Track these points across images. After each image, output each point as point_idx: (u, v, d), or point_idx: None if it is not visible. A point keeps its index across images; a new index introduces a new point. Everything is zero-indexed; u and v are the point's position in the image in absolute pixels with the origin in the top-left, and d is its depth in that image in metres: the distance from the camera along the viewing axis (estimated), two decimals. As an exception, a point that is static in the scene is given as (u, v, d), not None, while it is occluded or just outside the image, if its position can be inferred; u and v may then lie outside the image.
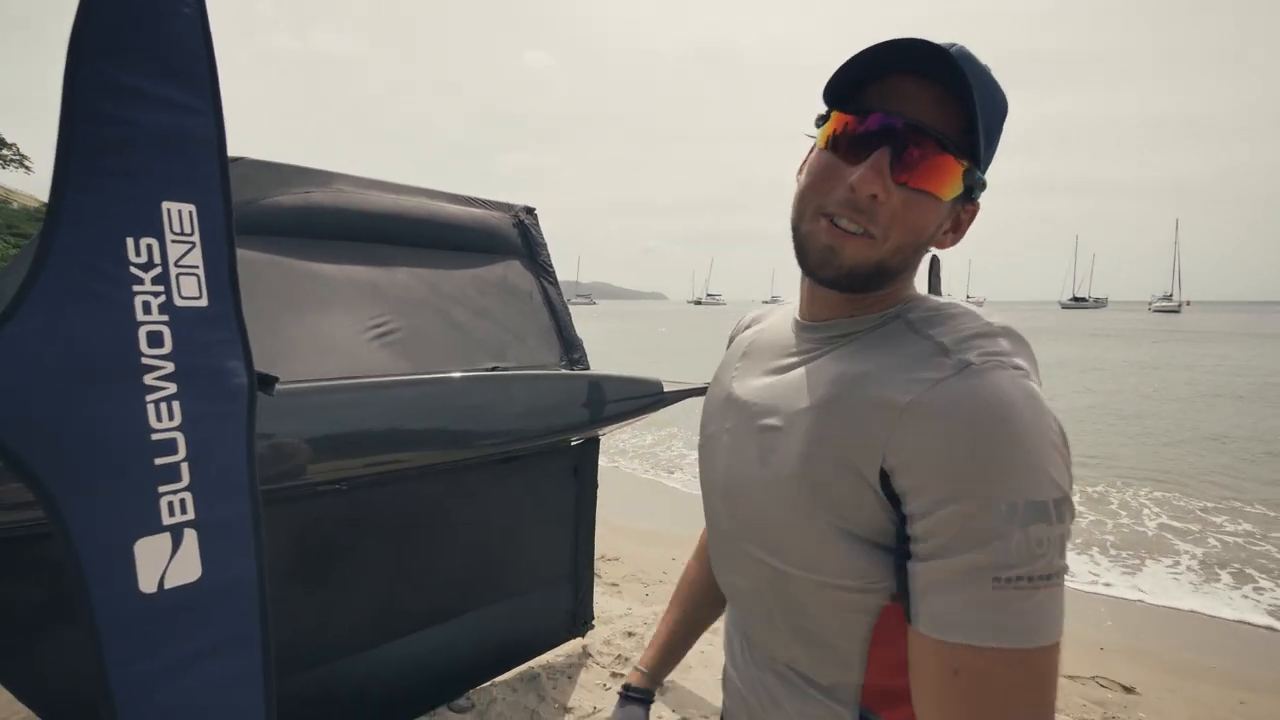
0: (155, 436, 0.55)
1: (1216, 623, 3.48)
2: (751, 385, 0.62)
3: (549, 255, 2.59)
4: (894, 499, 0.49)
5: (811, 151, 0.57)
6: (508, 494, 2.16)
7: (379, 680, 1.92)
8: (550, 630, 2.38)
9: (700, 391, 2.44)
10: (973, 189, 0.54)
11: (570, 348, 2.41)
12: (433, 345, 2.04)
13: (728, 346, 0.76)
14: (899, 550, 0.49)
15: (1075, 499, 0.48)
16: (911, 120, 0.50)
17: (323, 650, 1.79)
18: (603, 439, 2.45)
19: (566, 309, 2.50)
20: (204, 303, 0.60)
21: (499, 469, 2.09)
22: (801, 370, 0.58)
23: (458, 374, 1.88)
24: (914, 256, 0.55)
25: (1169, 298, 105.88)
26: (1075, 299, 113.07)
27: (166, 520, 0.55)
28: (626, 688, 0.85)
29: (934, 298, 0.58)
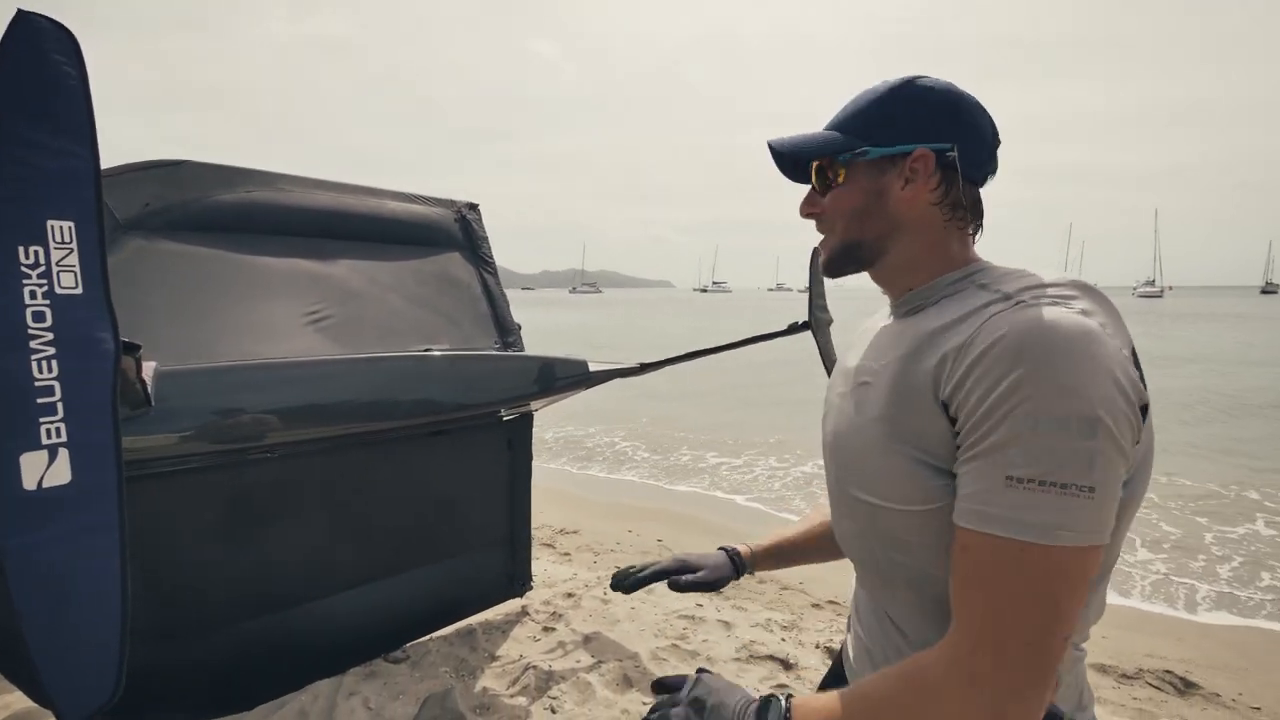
0: (38, 383, 0.76)
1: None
2: (859, 354, 0.73)
3: (489, 248, 2.80)
4: (952, 420, 0.55)
5: None
6: (441, 464, 2.37)
7: (320, 631, 2.14)
8: (487, 590, 2.60)
9: (627, 372, 2.65)
10: (859, 159, 0.67)
11: (505, 332, 2.62)
12: (367, 330, 2.24)
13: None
14: None
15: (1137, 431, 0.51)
16: (788, 160, 0.73)
17: (265, 601, 2.00)
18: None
19: (504, 297, 2.71)
20: (79, 291, 0.81)
21: (431, 441, 2.31)
22: (892, 334, 0.68)
23: (383, 354, 2.08)
24: (870, 222, 0.68)
25: (1151, 283, 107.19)
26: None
27: (44, 441, 0.76)
28: (732, 550, 0.97)
29: (1003, 265, 0.66)
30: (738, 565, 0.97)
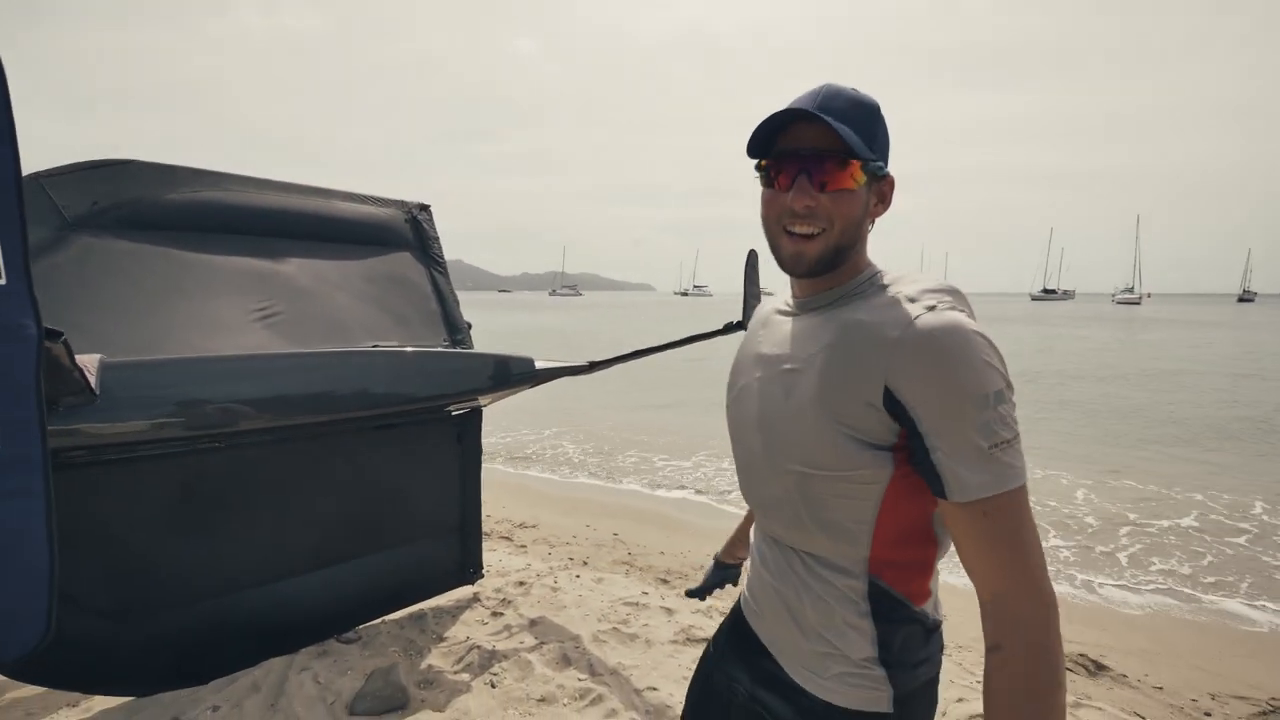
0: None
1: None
2: (773, 343, 0.82)
3: (440, 248, 2.91)
4: (895, 411, 0.67)
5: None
6: (390, 456, 2.48)
7: (273, 612, 2.24)
8: (438, 577, 2.72)
9: (574, 370, 2.78)
10: (876, 171, 0.74)
11: (453, 329, 2.73)
12: (313, 327, 2.33)
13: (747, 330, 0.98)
14: (904, 448, 0.69)
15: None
16: (814, 148, 0.72)
17: (218, 583, 2.09)
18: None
19: (454, 295, 2.82)
20: (3, 282, 0.92)
21: (380, 434, 2.41)
22: (809, 326, 0.77)
23: (325, 349, 2.18)
24: (857, 232, 0.75)
25: (1130, 290, 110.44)
26: (1046, 291, 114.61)
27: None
28: (716, 559, 1.23)
29: (891, 269, 0.79)
30: (720, 565, 1.24)
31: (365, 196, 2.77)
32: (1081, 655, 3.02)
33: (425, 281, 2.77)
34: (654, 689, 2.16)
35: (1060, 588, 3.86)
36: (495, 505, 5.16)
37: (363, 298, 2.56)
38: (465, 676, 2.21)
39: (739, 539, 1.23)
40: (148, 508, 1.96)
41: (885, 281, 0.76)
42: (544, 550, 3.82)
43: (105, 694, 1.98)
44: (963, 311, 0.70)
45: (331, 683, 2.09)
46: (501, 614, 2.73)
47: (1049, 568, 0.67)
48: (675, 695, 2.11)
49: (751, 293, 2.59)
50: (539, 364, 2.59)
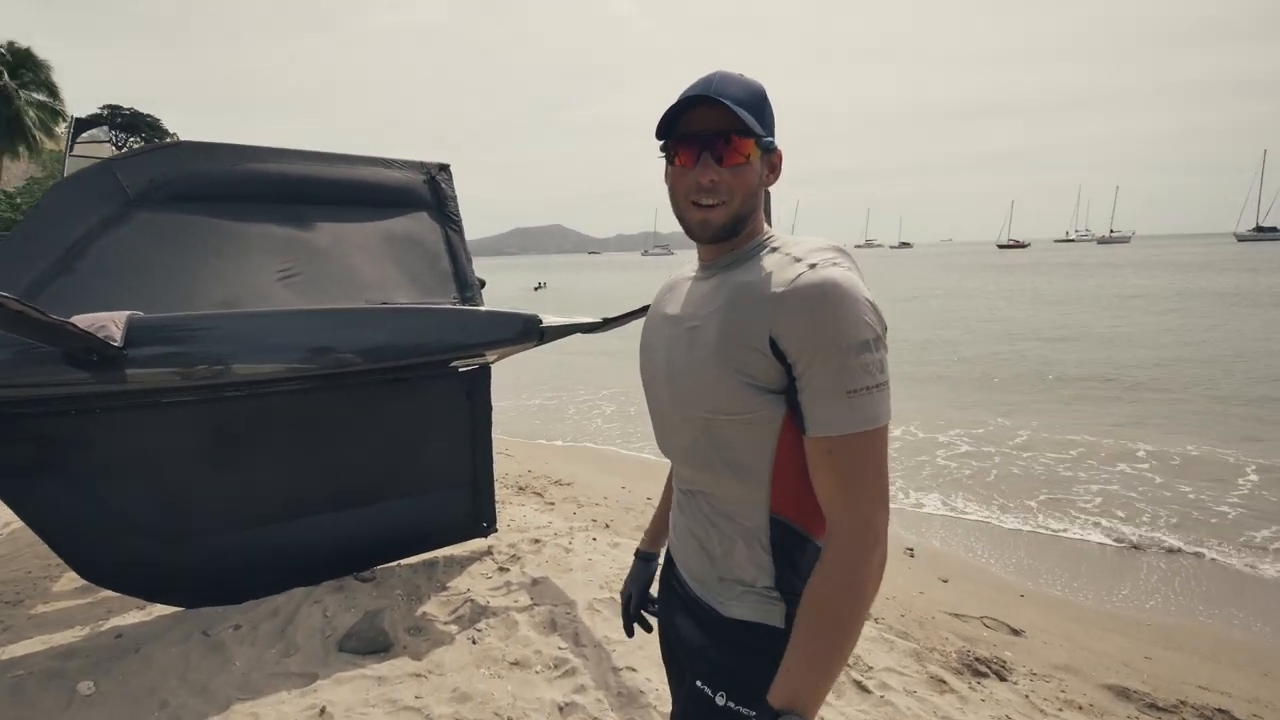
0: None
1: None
2: (679, 304, 0.91)
3: (457, 207, 2.95)
4: (779, 356, 0.75)
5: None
6: (402, 409, 2.60)
7: (298, 547, 2.48)
8: (450, 527, 2.86)
9: (586, 328, 2.74)
10: (767, 146, 0.84)
11: (464, 287, 2.79)
12: (331, 285, 2.48)
13: (655, 299, 1.04)
14: (788, 390, 0.77)
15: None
16: (714, 129, 0.81)
17: (249, 517, 2.35)
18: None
19: (467, 253, 2.87)
20: None
21: (391, 387, 2.54)
22: (708, 287, 0.86)
23: (329, 305, 2.31)
24: (754, 200, 0.84)
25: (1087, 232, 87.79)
26: (1260, 229, 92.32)
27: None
28: (637, 551, 1.19)
29: (785, 234, 0.87)
30: (648, 557, 1.17)
31: (390, 161, 2.84)
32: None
33: (439, 240, 2.84)
34: (632, 670, 2.13)
35: None
36: (537, 460, 5.37)
37: (378, 257, 2.67)
38: (453, 628, 2.33)
39: (660, 528, 1.19)
40: (187, 447, 2.21)
41: (776, 245, 0.84)
42: (570, 509, 3.92)
43: (161, 602, 2.31)
44: (842, 267, 0.77)
45: (335, 617, 2.29)
46: (507, 570, 2.84)
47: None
48: (652, 680, 2.08)
49: None
50: (547, 320, 2.58)
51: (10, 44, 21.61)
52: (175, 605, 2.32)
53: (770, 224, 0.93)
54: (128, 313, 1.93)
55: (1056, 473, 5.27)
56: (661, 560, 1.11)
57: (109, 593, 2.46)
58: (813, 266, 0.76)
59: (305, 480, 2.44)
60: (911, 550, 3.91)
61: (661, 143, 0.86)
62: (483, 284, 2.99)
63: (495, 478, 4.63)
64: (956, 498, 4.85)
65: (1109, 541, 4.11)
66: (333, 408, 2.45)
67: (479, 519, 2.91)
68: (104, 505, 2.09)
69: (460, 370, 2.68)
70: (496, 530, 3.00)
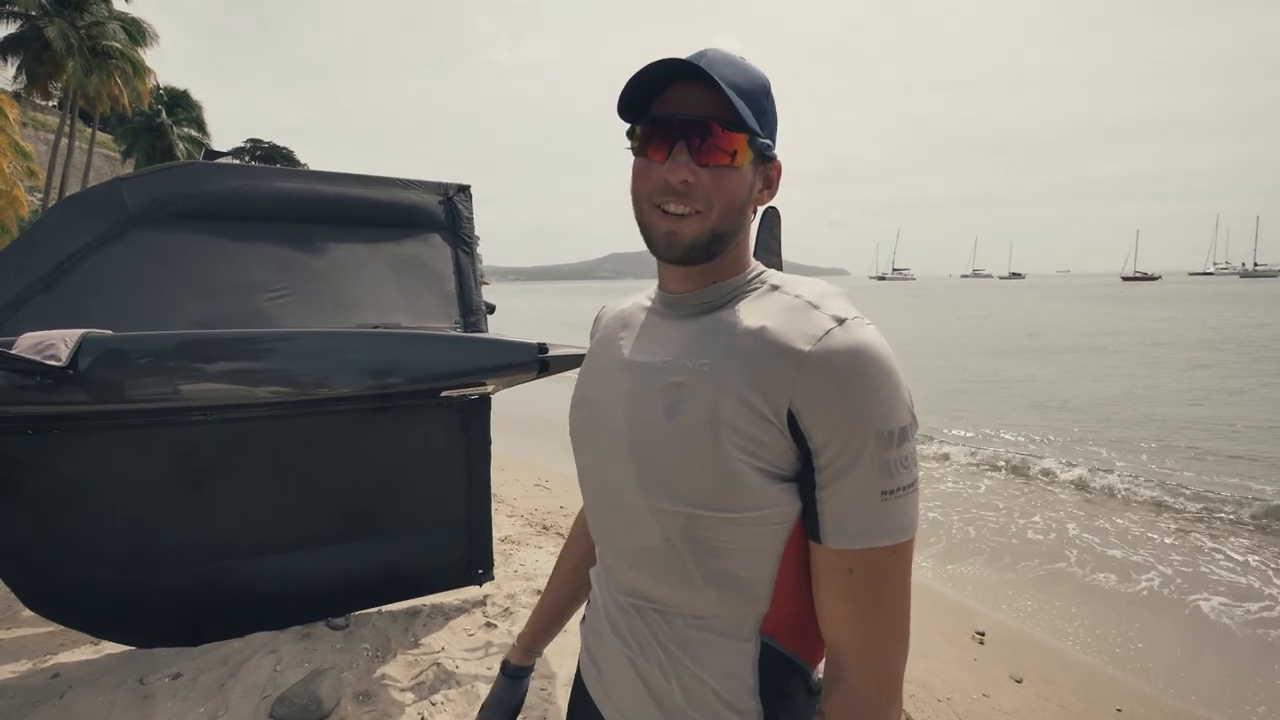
0: None
1: None
2: (647, 349, 0.69)
3: (472, 228, 2.75)
4: (798, 436, 0.58)
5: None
6: (387, 439, 2.38)
7: (265, 586, 2.29)
8: (440, 572, 2.59)
9: None
10: (764, 151, 0.65)
11: (468, 312, 2.56)
12: (322, 307, 2.32)
13: (591, 336, 0.83)
14: (802, 480, 0.59)
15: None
16: (694, 115, 0.62)
17: (212, 549, 2.18)
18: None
19: (475, 277, 2.65)
20: None
21: (374, 415, 2.32)
22: (692, 330, 0.66)
23: (300, 329, 2.13)
24: (739, 218, 0.65)
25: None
26: None
27: None
28: (505, 664, 0.93)
29: (772, 270, 0.70)
30: (521, 674, 0.92)
31: (406, 181, 2.71)
32: None
33: (448, 262, 2.64)
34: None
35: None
36: (577, 496, 5.06)
37: (380, 278, 2.51)
38: (407, 697, 2.02)
39: (545, 628, 0.94)
40: (147, 473, 2.08)
41: (776, 282, 0.67)
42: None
43: (112, 640, 2.18)
44: (873, 327, 0.61)
45: (284, 673, 2.05)
46: (494, 626, 2.52)
47: None
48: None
49: (766, 256, 1.99)
50: (556, 349, 2.28)
51: (169, 87, 24.98)
52: (128, 644, 2.17)
53: (780, 252, 0.73)
54: (82, 331, 1.82)
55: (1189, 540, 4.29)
56: (556, 688, 0.86)
57: (42, 627, 2.37)
58: (841, 322, 0.59)
59: (275, 513, 2.26)
60: (982, 634, 3.18)
61: (629, 127, 0.66)
62: (491, 309, 2.75)
63: (522, 514, 4.34)
64: (1062, 558, 4.03)
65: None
66: (309, 435, 2.26)
67: (473, 564, 2.62)
68: (55, 531, 1.98)
69: (456, 400, 2.44)
70: (494, 578, 2.69)
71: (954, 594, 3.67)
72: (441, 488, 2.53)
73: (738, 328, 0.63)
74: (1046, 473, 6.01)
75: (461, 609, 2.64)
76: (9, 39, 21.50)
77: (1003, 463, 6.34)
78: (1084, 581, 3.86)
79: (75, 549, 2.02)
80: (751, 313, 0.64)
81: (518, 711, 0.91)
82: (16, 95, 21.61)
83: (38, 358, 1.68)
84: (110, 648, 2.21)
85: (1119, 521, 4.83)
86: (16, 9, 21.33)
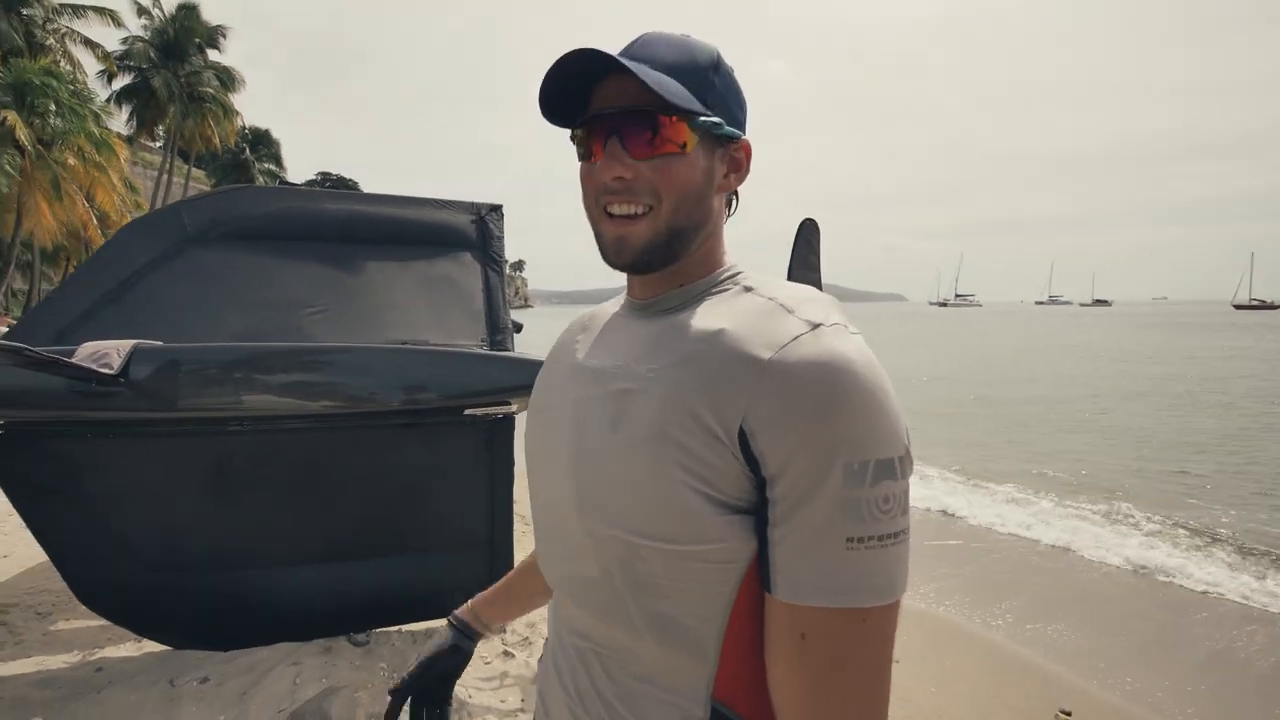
0: None
1: None
2: (600, 353, 0.62)
3: (502, 247, 2.82)
4: (752, 461, 0.48)
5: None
6: (411, 456, 2.41)
7: (291, 597, 2.33)
8: (463, 593, 2.53)
9: None
10: (712, 130, 0.57)
11: (495, 330, 2.59)
12: (353, 323, 2.40)
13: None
14: (759, 514, 0.49)
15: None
16: (620, 106, 0.56)
17: (241, 557, 2.24)
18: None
19: (504, 295, 2.69)
20: None
21: (400, 432, 2.36)
22: (651, 333, 0.58)
23: (323, 343, 2.22)
24: (697, 209, 0.58)
25: None
26: None
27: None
28: (451, 617, 0.89)
29: (758, 271, 0.62)
30: (461, 629, 0.87)
31: (440, 201, 2.81)
32: None
33: (477, 280, 2.70)
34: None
35: None
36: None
37: (412, 296, 2.58)
38: (419, 723, 1.99)
39: (493, 600, 0.89)
40: (186, 479, 2.18)
41: (750, 284, 0.59)
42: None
43: (150, 638, 2.25)
44: (859, 338, 0.51)
45: (302, 687, 2.06)
46: (512, 655, 2.47)
47: None
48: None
49: (803, 272, 1.91)
50: None
51: (253, 127, 27.35)
52: (164, 643, 2.24)
53: (819, 267, 0.59)
54: (134, 341, 1.94)
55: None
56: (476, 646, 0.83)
57: (93, 621, 2.46)
58: (814, 328, 0.50)
59: (302, 525, 2.31)
60: (1068, 714, 2.66)
61: (570, 133, 0.61)
62: (519, 328, 2.79)
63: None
64: (1181, 625, 3.54)
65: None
66: (336, 450, 2.31)
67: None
68: (104, 531, 2.08)
69: (480, 418, 2.45)
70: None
71: (1035, 658, 3.18)
72: (463, 508, 2.52)
73: (692, 330, 0.55)
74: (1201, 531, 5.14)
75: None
76: (124, 89, 24.17)
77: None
78: (1207, 656, 3.31)
79: (119, 549, 2.11)
80: (712, 314, 0.56)
81: (450, 677, 0.85)
82: (130, 139, 24.15)
83: (93, 366, 1.79)
84: (150, 646, 2.29)
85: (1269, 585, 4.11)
86: (131, 63, 24.00)
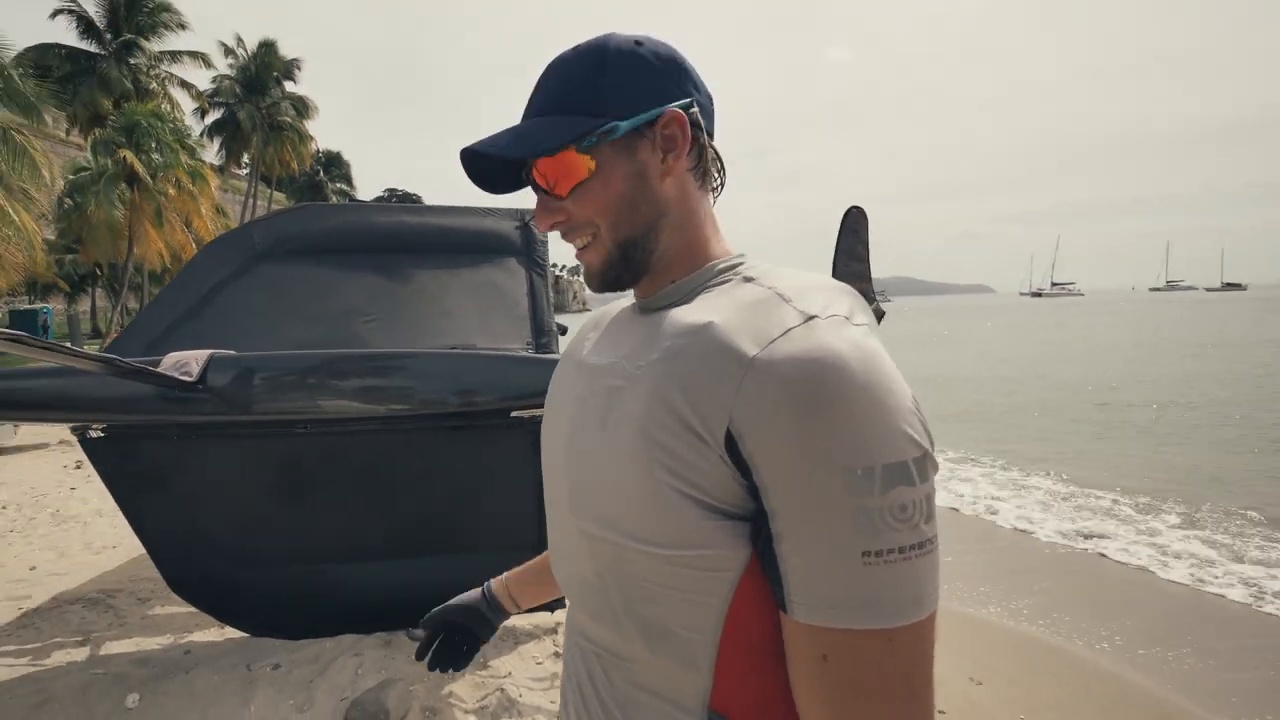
0: None
1: None
2: (601, 351, 0.61)
3: (546, 251, 2.88)
4: (742, 466, 0.45)
5: None
6: (462, 458, 2.49)
7: (356, 591, 2.46)
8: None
9: None
10: (613, 136, 0.54)
11: (539, 333, 2.65)
12: (406, 330, 2.52)
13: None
14: (753, 522, 0.47)
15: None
16: (521, 158, 0.56)
17: (307, 552, 2.39)
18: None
19: (547, 299, 2.75)
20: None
21: (452, 434, 2.44)
22: (647, 328, 0.56)
23: (388, 349, 2.32)
24: (636, 215, 0.56)
25: None
26: None
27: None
28: (485, 589, 0.92)
29: (765, 262, 0.59)
30: (489, 600, 0.89)
31: (485, 210, 2.92)
32: None
33: (522, 285, 2.78)
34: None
35: None
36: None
37: (460, 302, 2.69)
38: (472, 718, 2.05)
39: (521, 577, 0.88)
40: (259, 478, 2.34)
41: (751, 274, 0.55)
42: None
43: (229, 624, 2.43)
44: (863, 328, 0.47)
45: (363, 678, 2.16)
46: (558, 654, 2.50)
47: None
48: None
49: (850, 264, 1.83)
50: None
51: (327, 150, 29.28)
52: (241, 630, 2.41)
53: (867, 258, 0.56)
54: (210, 351, 2.10)
55: None
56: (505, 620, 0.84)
57: (184, 608, 2.67)
58: (808, 320, 0.46)
59: (364, 522, 2.43)
60: None
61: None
62: (563, 331, 2.83)
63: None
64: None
65: None
66: (393, 451, 2.42)
67: (543, 588, 2.64)
68: (189, 524, 2.27)
69: (527, 420, 2.51)
70: (565, 605, 2.69)
71: (1150, 685, 2.84)
72: (511, 507, 2.58)
73: (680, 324, 0.52)
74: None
75: (532, 634, 2.65)
76: (215, 124, 26.49)
77: None
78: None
79: (202, 541, 2.29)
80: (704, 308, 0.52)
81: (477, 625, 0.87)
82: (220, 168, 26.44)
83: (175, 374, 1.96)
84: (231, 632, 2.47)
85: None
86: (220, 99, 26.27)
